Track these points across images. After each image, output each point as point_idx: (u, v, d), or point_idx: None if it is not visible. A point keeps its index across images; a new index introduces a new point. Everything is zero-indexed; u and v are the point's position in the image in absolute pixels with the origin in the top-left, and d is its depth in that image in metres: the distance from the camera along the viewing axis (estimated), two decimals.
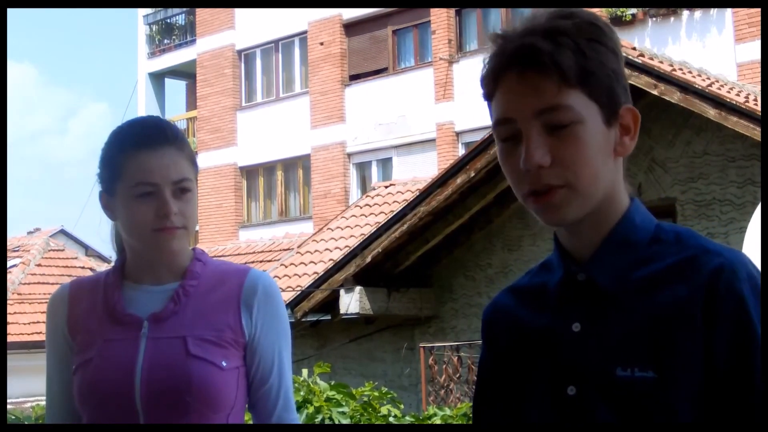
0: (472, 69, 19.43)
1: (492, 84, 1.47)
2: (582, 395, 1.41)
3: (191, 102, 26.54)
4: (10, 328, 16.25)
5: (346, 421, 5.63)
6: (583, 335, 1.44)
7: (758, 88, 12.65)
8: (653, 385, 1.36)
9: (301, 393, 5.69)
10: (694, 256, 1.41)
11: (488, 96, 1.49)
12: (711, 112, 9.82)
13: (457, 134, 19.69)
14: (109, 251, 2.21)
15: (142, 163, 1.98)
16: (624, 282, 1.43)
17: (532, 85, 1.40)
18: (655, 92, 9.82)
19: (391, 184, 16.15)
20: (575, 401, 1.42)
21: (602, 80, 1.42)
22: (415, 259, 12.45)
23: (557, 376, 1.44)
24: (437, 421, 6.39)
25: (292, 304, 12.49)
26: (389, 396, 6.34)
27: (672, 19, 16.42)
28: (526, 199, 1.44)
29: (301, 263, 14.40)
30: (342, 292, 12.19)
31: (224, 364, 1.97)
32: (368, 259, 12.03)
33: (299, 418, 2.18)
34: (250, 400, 2.07)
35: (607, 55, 1.43)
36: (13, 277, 18.70)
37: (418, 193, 12.07)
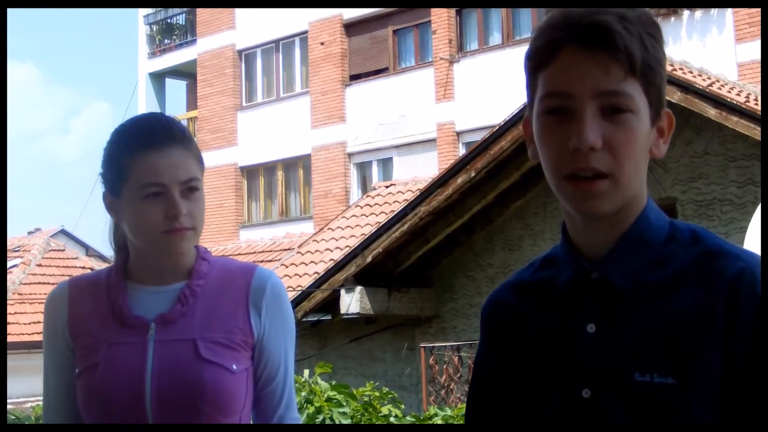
0: (472, 69, 19.43)
1: (548, 55, 1.39)
2: (597, 398, 1.38)
3: (192, 102, 26.54)
4: (10, 328, 16.26)
5: (346, 421, 5.63)
6: (599, 337, 1.41)
7: (758, 88, 12.64)
8: (672, 391, 1.34)
9: (302, 393, 5.69)
10: (712, 258, 1.39)
11: (538, 67, 1.42)
12: (711, 112, 9.82)
13: (458, 134, 19.69)
14: (110, 251, 2.15)
15: (149, 163, 1.93)
16: (640, 282, 1.41)
17: (601, 64, 1.36)
18: None
19: (391, 184, 16.15)
20: (590, 404, 1.39)
21: (657, 78, 1.40)
22: (416, 259, 12.45)
23: (570, 377, 1.41)
24: (438, 421, 6.39)
25: (293, 304, 12.48)
26: (390, 396, 6.34)
27: (672, 19, 16.41)
28: (563, 182, 1.38)
29: (302, 263, 14.39)
30: (342, 292, 12.19)
31: (235, 367, 1.93)
32: (369, 259, 12.03)
33: (300, 418, 2.15)
34: (254, 398, 2.04)
35: (662, 54, 1.42)
36: (13, 277, 18.70)
37: (418, 193, 12.07)
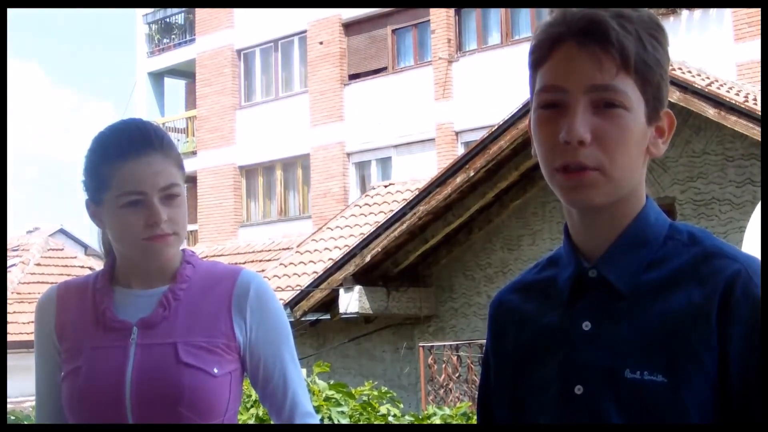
0: (471, 68, 19.43)
1: (546, 50, 1.42)
2: (589, 395, 1.40)
3: (190, 101, 26.53)
4: (9, 328, 16.24)
5: (345, 421, 5.63)
6: (593, 334, 1.42)
7: (757, 88, 12.65)
8: (662, 388, 1.35)
9: None
10: (709, 259, 1.40)
11: (537, 63, 1.44)
12: (710, 112, 9.83)
13: (457, 134, 19.69)
14: None
15: (128, 172, 1.95)
16: (637, 281, 1.42)
17: (594, 59, 1.38)
18: None
19: (390, 184, 16.16)
20: (582, 400, 1.40)
21: (654, 77, 1.41)
22: (415, 258, 12.46)
23: (565, 374, 1.43)
24: (437, 420, 6.39)
25: (292, 304, 12.50)
26: (388, 395, 6.34)
27: (671, 18, 16.42)
28: (555, 174, 1.40)
29: (301, 263, 14.40)
30: (341, 291, 12.19)
31: (216, 370, 1.94)
32: (367, 259, 12.04)
33: (314, 413, 2.16)
34: (260, 396, 2.08)
35: (663, 55, 1.44)
36: (12, 276, 18.69)
37: (417, 193, 12.07)
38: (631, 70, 1.38)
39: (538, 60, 1.44)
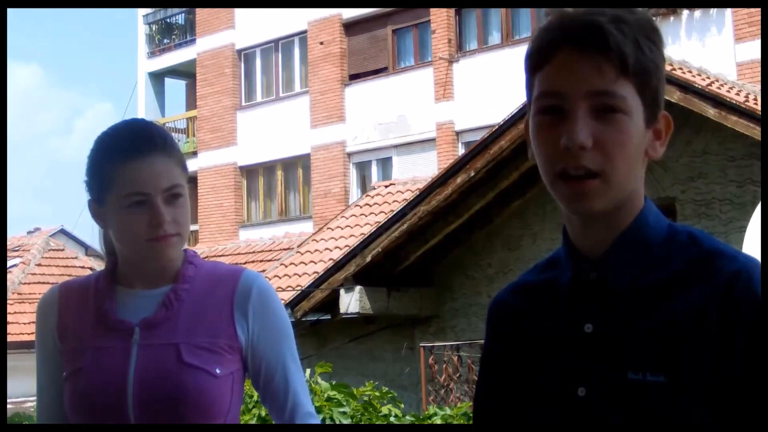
0: (472, 68, 19.43)
1: (545, 56, 1.42)
2: (592, 397, 1.40)
3: (191, 101, 26.55)
4: (10, 328, 16.25)
5: (346, 421, 5.64)
6: (595, 336, 1.43)
7: (758, 88, 12.65)
8: (664, 389, 1.35)
9: None
10: (709, 259, 1.40)
11: (535, 68, 1.44)
12: (711, 112, 9.82)
13: (457, 134, 19.70)
14: None
15: (131, 172, 1.94)
16: (637, 283, 1.42)
17: (593, 64, 1.38)
18: None
19: (391, 184, 16.15)
20: (585, 403, 1.41)
21: (652, 80, 1.42)
22: (415, 258, 12.44)
23: (567, 376, 1.43)
24: (437, 420, 6.40)
25: (292, 304, 12.49)
26: (389, 396, 6.35)
27: (672, 18, 16.42)
28: (555, 180, 1.40)
29: (301, 263, 14.39)
30: (342, 291, 12.19)
31: (218, 371, 1.94)
32: (368, 259, 12.03)
33: (315, 414, 2.15)
34: (261, 397, 2.07)
35: (659, 58, 1.44)
36: (13, 276, 18.69)
37: (418, 193, 12.07)
38: (630, 74, 1.39)
39: (536, 65, 1.44)
